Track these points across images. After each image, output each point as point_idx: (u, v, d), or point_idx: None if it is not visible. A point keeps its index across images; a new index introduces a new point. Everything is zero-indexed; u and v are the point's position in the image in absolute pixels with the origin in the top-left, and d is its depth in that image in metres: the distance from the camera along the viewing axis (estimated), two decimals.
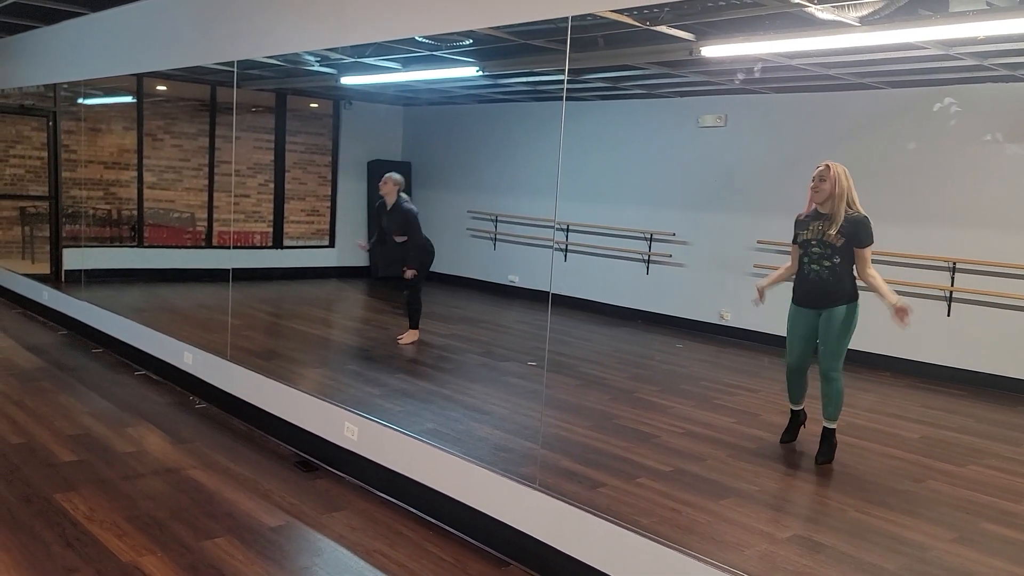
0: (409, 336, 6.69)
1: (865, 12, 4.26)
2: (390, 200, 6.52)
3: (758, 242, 7.69)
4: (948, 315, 6.64)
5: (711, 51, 5.34)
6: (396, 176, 6.52)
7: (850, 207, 4.21)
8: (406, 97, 10.40)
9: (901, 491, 3.99)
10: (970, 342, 6.52)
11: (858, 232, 4.18)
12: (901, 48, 5.25)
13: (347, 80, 8.17)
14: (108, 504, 3.68)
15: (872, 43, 4.85)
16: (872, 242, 4.22)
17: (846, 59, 5.84)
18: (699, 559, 2.80)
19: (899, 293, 6.84)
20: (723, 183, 8.05)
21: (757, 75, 6.56)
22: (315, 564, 3.29)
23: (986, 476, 4.31)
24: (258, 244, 10.61)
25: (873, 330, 7.06)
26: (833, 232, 4.17)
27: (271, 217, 10.65)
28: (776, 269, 4.68)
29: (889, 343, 6.90)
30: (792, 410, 4.57)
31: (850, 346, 7.00)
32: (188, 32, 5.84)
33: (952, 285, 6.59)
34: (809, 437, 4.68)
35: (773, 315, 7.56)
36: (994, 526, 3.63)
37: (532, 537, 3.30)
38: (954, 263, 6.56)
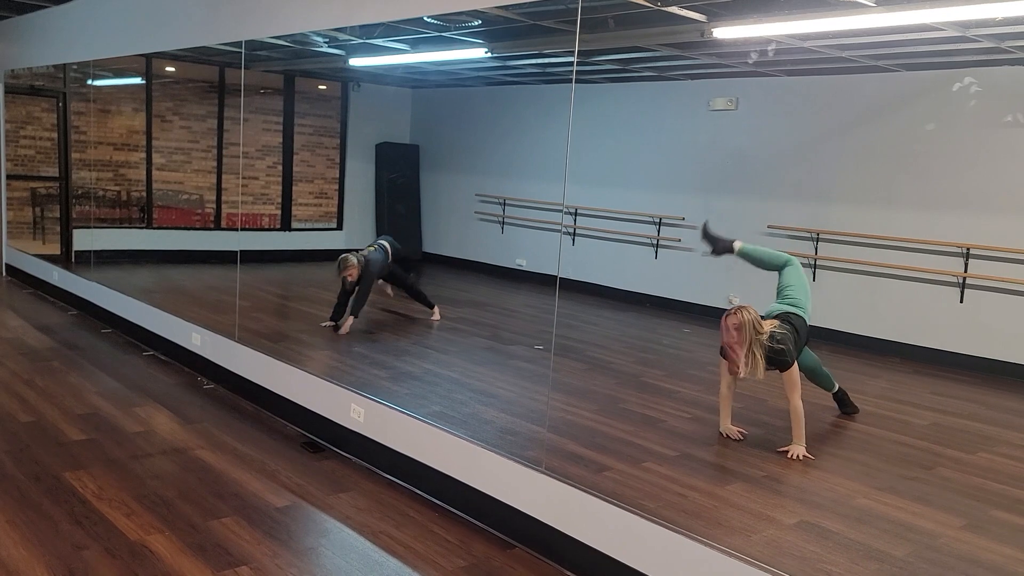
0: (436, 312, 7.03)
1: None
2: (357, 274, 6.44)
3: (768, 227, 7.64)
4: (961, 301, 6.59)
5: (723, 32, 5.27)
6: (351, 259, 6.40)
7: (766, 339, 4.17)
8: (414, 79, 10.35)
9: (910, 478, 3.97)
10: (983, 329, 6.47)
11: (779, 359, 4.18)
12: (917, 29, 5.17)
13: (355, 62, 8.13)
14: (116, 483, 3.70)
15: (887, 24, 4.78)
16: (793, 362, 4.22)
17: (860, 41, 5.76)
18: (705, 543, 2.79)
19: (911, 280, 6.84)
20: (734, 167, 7.99)
21: (770, 57, 6.49)
22: (321, 544, 3.29)
23: (996, 463, 4.28)
24: (266, 226, 10.62)
25: (884, 316, 7.04)
26: (762, 373, 4.20)
27: (279, 199, 10.64)
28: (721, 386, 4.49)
29: (900, 329, 6.86)
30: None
31: (861, 332, 7.03)
32: (196, 12, 5.81)
33: (965, 271, 6.53)
34: (814, 425, 4.67)
35: None
36: (1004, 513, 3.61)
37: (537, 520, 3.30)
38: (967, 249, 6.50)
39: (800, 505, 3.53)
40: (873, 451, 4.35)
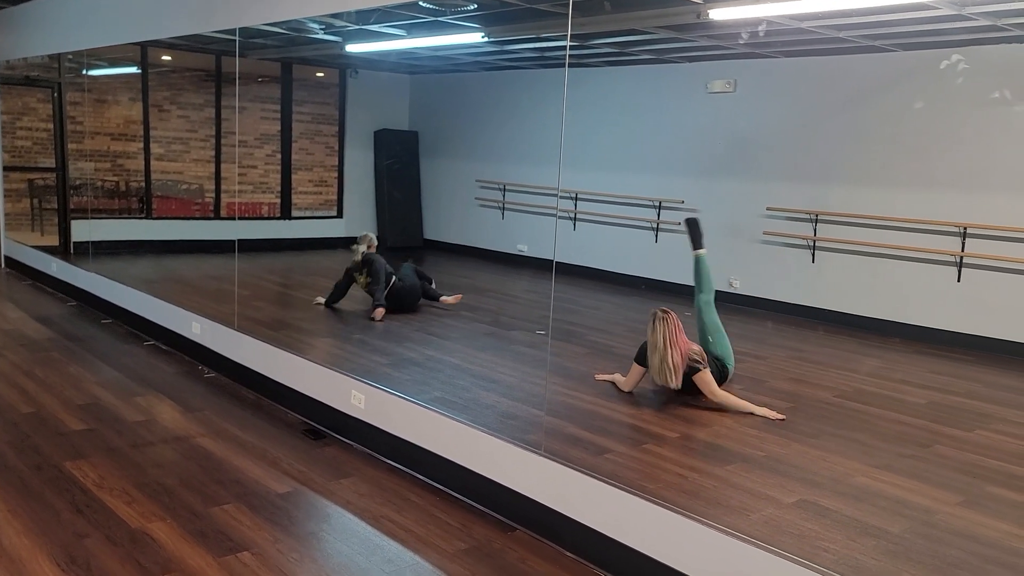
0: (448, 298, 7.08)
1: None
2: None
3: (767, 209, 7.63)
4: (958, 280, 6.59)
5: (719, 14, 5.25)
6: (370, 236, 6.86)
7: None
8: (412, 65, 10.31)
9: (907, 456, 3.98)
10: (980, 307, 6.47)
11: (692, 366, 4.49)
12: (913, 8, 5.15)
13: (352, 48, 8.10)
14: (117, 472, 3.72)
15: (884, 3, 4.76)
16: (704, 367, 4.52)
17: (857, 21, 5.74)
18: (704, 523, 2.80)
19: (909, 259, 6.84)
20: (732, 149, 7.97)
21: (765, 38, 6.46)
22: (322, 530, 3.32)
23: (994, 440, 4.29)
24: (266, 215, 10.61)
25: (882, 296, 7.04)
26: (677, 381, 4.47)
27: (279, 188, 10.63)
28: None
29: (898, 309, 6.87)
30: None
31: (859, 312, 7.05)
32: None
33: (963, 250, 6.53)
34: (813, 405, 4.68)
35: (783, 283, 7.54)
36: (1001, 490, 3.63)
37: (538, 502, 3.32)
38: (965, 228, 6.49)
39: (799, 484, 3.55)
40: (871, 430, 4.36)
